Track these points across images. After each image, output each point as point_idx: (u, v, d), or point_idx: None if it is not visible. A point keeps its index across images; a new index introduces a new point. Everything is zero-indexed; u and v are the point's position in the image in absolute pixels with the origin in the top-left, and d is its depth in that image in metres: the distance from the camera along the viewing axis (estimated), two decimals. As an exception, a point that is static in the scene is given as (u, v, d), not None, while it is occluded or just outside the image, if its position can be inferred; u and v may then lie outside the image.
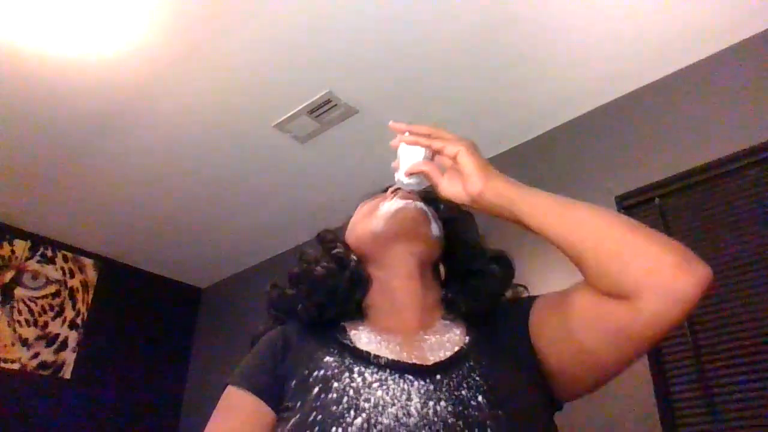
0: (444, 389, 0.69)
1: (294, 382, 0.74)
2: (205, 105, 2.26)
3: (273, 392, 0.74)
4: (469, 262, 0.89)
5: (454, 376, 0.72)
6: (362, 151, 2.51)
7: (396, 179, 0.83)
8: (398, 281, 0.84)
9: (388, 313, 0.83)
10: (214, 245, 3.28)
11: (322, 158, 2.57)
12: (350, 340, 0.79)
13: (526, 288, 0.90)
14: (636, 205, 1.97)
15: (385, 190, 0.95)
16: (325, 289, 0.83)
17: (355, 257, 0.88)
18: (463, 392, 0.69)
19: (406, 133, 0.81)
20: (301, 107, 2.25)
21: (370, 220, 0.88)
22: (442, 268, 0.91)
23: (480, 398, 0.68)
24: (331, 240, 0.93)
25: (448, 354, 0.76)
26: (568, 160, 2.24)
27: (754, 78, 1.87)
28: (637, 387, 1.74)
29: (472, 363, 0.74)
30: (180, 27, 1.92)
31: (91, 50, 2.00)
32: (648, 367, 1.74)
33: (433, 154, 0.79)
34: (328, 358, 0.75)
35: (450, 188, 0.76)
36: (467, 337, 0.79)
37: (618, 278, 0.66)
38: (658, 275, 0.64)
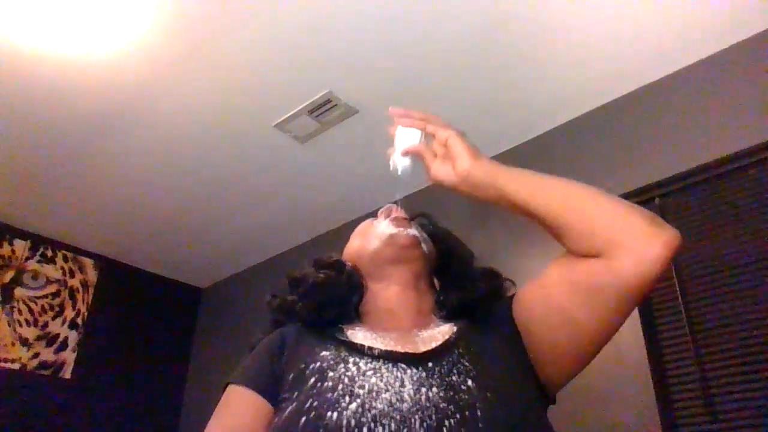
0: (435, 376, 0.72)
1: (291, 375, 0.76)
2: (205, 105, 2.26)
3: (271, 389, 0.77)
4: (461, 271, 0.95)
5: (444, 363, 0.74)
6: (362, 151, 2.51)
7: (391, 163, 0.87)
8: (394, 290, 0.89)
9: (384, 318, 0.87)
10: (214, 245, 3.28)
11: (322, 158, 2.57)
12: (346, 336, 0.82)
13: (513, 283, 0.93)
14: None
15: (376, 216, 0.99)
16: (323, 291, 0.88)
17: (350, 264, 0.93)
18: (454, 378, 0.72)
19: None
20: (301, 107, 2.25)
21: (367, 239, 0.93)
22: (436, 282, 0.96)
23: (470, 382, 0.71)
24: (325, 257, 0.98)
25: (439, 344, 0.79)
26: (568, 160, 2.24)
27: (754, 78, 1.87)
28: (637, 387, 1.74)
29: (461, 350, 0.77)
30: (180, 27, 1.92)
31: (91, 50, 2.00)
32: (648, 368, 1.74)
33: (427, 139, 0.86)
34: (324, 353, 0.78)
35: (441, 170, 0.82)
36: (455, 327, 0.83)
37: (594, 239, 0.73)
38: (629, 235, 0.71)
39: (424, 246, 0.92)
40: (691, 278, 1.78)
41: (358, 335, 0.82)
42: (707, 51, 1.99)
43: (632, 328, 1.79)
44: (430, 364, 0.74)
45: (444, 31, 1.94)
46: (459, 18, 1.88)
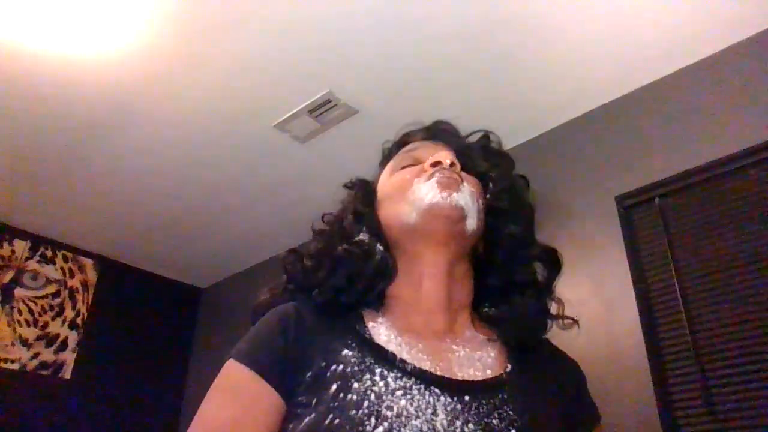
0: (473, 412, 0.65)
1: (310, 374, 0.67)
2: (205, 105, 2.26)
3: (283, 376, 0.67)
4: (511, 264, 0.81)
5: (484, 402, 0.66)
6: (362, 151, 2.49)
7: None
8: (426, 275, 0.77)
9: (411, 309, 0.77)
10: (214, 245, 3.27)
11: (322, 158, 2.57)
12: (368, 331, 0.73)
13: (576, 321, 0.81)
14: (636, 205, 1.97)
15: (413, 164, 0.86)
16: (346, 273, 0.76)
17: (381, 247, 0.80)
18: (494, 421, 0.65)
19: None
20: (301, 107, 2.25)
21: (401, 205, 0.79)
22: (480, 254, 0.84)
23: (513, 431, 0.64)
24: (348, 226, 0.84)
25: (479, 375, 0.70)
26: (568, 160, 2.24)
27: (754, 78, 1.87)
28: (637, 387, 1.73)
29: (506, 396, 0.68)
30: (180, 27, 1.92)
31: (91, 50, 2.00)
32: (648, 368, 1.74)
33: None
34: (346, 352, 0.69)
35: None
36: (508, 365, 0.73)
37: None
38: None
39: (469, 221, 0.77)
40: (691, 278, 1.78)
41: (380, 332, 0.73)
42: (707, 51, 1.98)
43: (632, 328, 1.79)
44: (467, 398, 0.66)
45: (444, 31, 1.94)
46: (459, 18, 1.88)
